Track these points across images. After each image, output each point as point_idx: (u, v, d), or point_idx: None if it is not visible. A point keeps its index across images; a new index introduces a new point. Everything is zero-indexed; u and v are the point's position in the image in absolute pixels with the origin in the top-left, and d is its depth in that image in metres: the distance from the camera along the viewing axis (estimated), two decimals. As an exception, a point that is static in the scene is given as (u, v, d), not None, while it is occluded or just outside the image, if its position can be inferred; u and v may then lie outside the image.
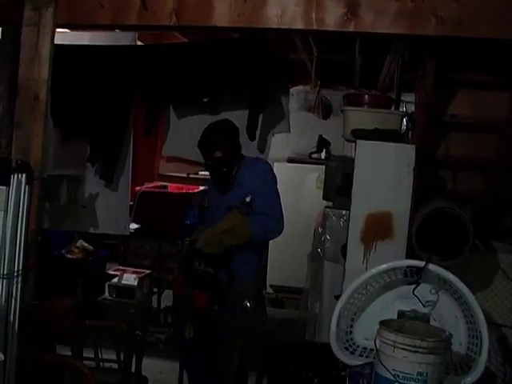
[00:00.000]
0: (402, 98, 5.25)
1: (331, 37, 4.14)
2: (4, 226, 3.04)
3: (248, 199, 3.65)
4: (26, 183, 3.12)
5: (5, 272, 3.04)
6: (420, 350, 2.85)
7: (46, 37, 3.27)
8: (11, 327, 3.06)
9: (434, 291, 3.35)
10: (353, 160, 3.87)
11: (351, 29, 3.07)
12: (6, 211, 3.04)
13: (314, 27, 3.12)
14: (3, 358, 2.52)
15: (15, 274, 3.09)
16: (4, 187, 3.02)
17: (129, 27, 3.61)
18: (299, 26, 3.14)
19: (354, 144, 4.02)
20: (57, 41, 3.38)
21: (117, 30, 4.30)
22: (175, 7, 3.21)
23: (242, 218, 3.67)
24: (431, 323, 3.30)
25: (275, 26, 3.18)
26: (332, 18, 3.08)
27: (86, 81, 4.44)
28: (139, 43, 4.84)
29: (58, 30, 3.42)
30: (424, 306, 3.33)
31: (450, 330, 3.09)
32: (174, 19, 3.22)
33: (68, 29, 4.02)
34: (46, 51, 3.26)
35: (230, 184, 3.79)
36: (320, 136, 6.17)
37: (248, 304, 3.68)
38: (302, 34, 4.46)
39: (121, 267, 6.06)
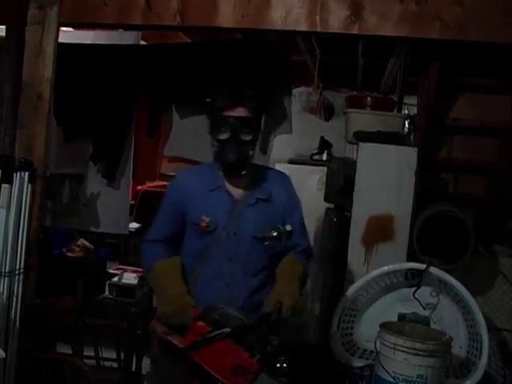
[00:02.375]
0: (405, 101, 5.26)
1: (334, 38, 4.13)
2: (6, 223, 3.05)
3: (289, 228, 2.70)
4: (29, 181, 3.14)
5: (6, 270, 3.05)
6: (420, 352, 2.86)
7: (51, 35, 3.28)
8: (12, 325, 3.08)
9: (434, 294, 3.36)
10: (354, 162, 3.87)
11: (355, 31, 3.08)
12: (8, 209, 3.06)
13: (318, 29, 3.13)
14: (4, 356, 2.53)
15: (17, 271, 3.10)
16: (7, 185, 3.04)
17: (133, 27, 3.62)
18: (303, 27, 3.15)
19: (355, 146, 4.02)
20: (60, 39, 3.39)
21: (120, 30, 4.31)
22: (179, 8, 3.22)
23: (302, 266, 2.74)
24: (431, 326, 3.30)
25: (279, 28, 3.19)
26: (336, 20, 3.09)
27: (89, 80, 4.44)
28: (142, 43, 4.85)
29: (62, 28, 3.43)
30: (424, 309, 3.34)
31: (451, 333, 3.10)
32: (179, 19, 3.23)
33: (72, 28, 4.02)
34: (50, 50, 3.27)
35: (242, 168, 2.68)
36: (322, 138, 6.17)
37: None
38: (305, 36, 4.45)
39: (121, 266, 6.06)
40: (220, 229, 2.67)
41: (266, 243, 2.68)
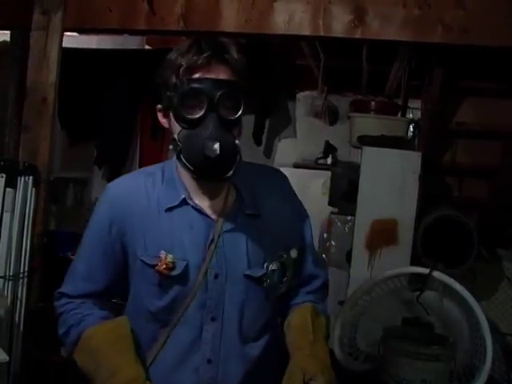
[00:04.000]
0: (410, 105, 5.25)
1: (338, 43, 4.14)
2: (10, 227, 3.05)
3: (294, 254, 1.77)
4: (33, 185, 3.14)
5: (11, 273, 3.06)
6: (423, 357, 2.85)
7: (55, 40, 3.28)
8: (16, 328, 3.08)
9: (438, 298, 3.35)
10: (359, 166, 3.87)
11: (358, 35, 3.08)
12: (12, 213, 3.06)
13: (321, 33, 3.13)
14: (8, 359, 2.53)
15: (21, 275, 3.11)
16: (11, 189, 3.04)
17: (137, 32, 3.62)
18: (306, 32, 3.15)
19: (360, 150, 4.02)
20: (65, 44, 3.40)
21: (125, 34, 4.32)
22: (183, 12, 3.22)
23: (325, 317, 1.88)
24: (435, 330, 3.30)
25: (282, 32, 3.19)
26: (339, 25, 3.09)
27: (94, 84, 4.46)
28: (147, 47, 4.87)
29: (66, 33, 3.45)
30: (428, 314, 3.33)
31: (454, 338, 3.09)
32: (182, 24, 3.23)
33: (76, 32, 4.03)
34: (54, 55, 3.28)
35: (228, 168, 1.64)
36: (326, 142, 6.18)
37: None
38: (309, 41, 4.47)
39: (126, 270, 6.07)
40: (192, 270, 1.67)
41: (266, 283, 1.72)
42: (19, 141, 3.33)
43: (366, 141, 3.91)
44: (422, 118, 4.47)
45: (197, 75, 1.62)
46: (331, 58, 5.30)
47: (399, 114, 4.78)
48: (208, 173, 1.64)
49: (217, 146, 1.56)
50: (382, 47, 4.20)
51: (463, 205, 3.95)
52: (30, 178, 3.13)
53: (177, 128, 1.68)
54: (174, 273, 1.66)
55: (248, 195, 1.76)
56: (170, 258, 1.65)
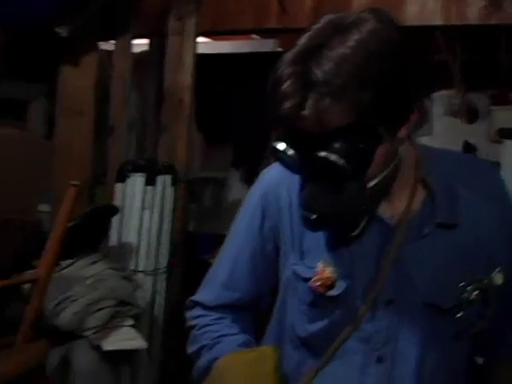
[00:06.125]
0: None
1: (475, 33, 4.00)
2: (150, 224, 3.19)
3: (499, 280, 1.24)
4: (172, 184, 3.26)
5: (151, 268, 3.18)
6: None
7: (189, 44, 3.41)
8: (156, 320, 3.21)
9: None
10: (498, 164, 3.71)
11: (494, 21, 2.95)
12: (151, 210, 3.19)
13: (454, 22, 3.03)
14: (146, 346, 2.64)
15: (160, 270, 3.23)
16: (150, 187, 3.17)
17: (269, 30, 3.66)
18: (439, 21, 3.06)
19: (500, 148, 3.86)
20: (201, 50, 3.51)
21: (257, 38, 4.39)
22: (314, 6, 3.22)
23: None
24: None
25: (415, 23, 3.11)
26: (473, 11, 2.97)
27: (229, 88, 4.57)
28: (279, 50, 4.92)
29: (202, 39, 3.55)
30: None
31: None
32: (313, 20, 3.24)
33: (209, 35, 4.14)
34: (189, 58, 3.41)
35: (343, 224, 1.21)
36: (465, 141, 5.98)
37: None
38: (441, 31, 4.35)
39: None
40: (357, 293, 1.25)
41: (459, 316, 1.23)
42: (158, 141, 3.48)
43: (506, 134, 3.75)
44: None
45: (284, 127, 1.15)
46: (468, 51, 5.13)
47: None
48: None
49: (313, 218, 1.15)
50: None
51: None
52: (169, 177, 3.24)
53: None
54: (332, 293, 1.24)
55: (443, 197, 1.24)
56: (328, 272, 1.24)
